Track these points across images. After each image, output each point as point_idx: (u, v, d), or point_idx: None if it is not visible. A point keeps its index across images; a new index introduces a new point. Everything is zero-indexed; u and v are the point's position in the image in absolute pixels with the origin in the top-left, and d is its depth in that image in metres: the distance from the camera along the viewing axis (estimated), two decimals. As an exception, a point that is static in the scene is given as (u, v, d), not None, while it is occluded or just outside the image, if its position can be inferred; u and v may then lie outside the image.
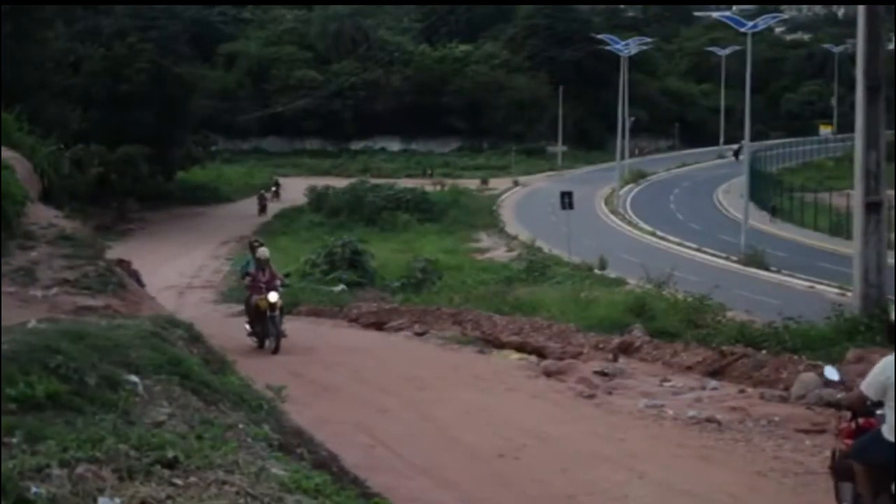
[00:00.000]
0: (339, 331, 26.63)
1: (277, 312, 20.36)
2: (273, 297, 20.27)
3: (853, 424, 8.70)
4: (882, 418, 8.17)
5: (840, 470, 8.89)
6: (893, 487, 7.91)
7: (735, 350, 17.54)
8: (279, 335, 20.21)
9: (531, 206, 77.92)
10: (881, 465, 8.05)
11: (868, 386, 8.20)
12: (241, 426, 6.94)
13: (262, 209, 78.94)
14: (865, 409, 8.45)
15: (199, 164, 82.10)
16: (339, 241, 48.32)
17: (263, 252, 21.29)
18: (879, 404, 8.19)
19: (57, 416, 5.83)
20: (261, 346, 20.64)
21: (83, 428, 5.65)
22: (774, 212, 67.49)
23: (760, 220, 64.09)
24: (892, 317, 14.78)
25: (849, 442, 8.67)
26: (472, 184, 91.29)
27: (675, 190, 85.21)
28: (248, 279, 21.13)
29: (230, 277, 53.64)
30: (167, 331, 8.64)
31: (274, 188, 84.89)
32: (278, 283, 20.91)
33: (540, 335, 21.38)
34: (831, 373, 10.15)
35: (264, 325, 20.47)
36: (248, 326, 21.15)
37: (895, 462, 7.89)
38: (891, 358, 8.03)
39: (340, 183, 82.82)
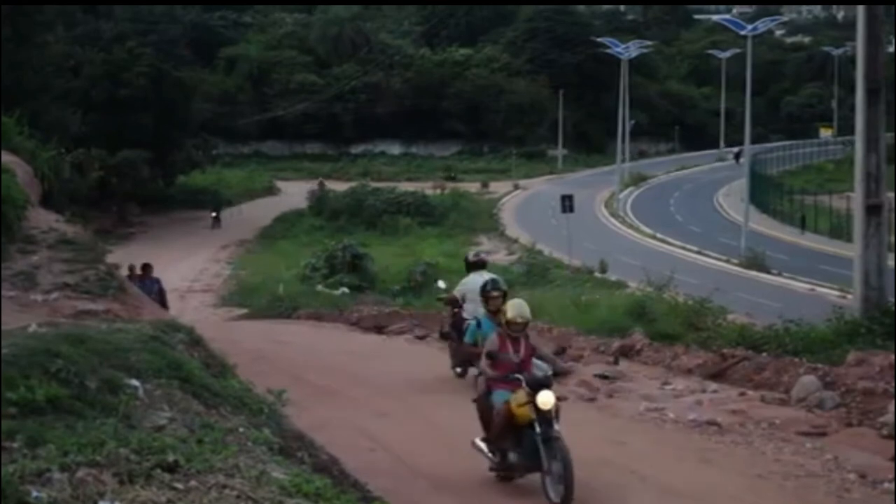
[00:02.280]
0: (340, 334, 26.62)
1: (556, 425, 10.64)
2: (547, 398, 10.56)
3: (453, 311, 16.99)
4: (464, 309, 16.22)
5: (445, 335, 17.65)
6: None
7: (736, 353, 17.53)
8: (568, 465, 10.25)
9: (531, 210, 77.96)
10: (462, 330, 15.22)
11: (456, 292, 16.78)
12: (241, 430, 6.93)
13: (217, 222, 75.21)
14: (457, 304, 16.67)
15: (199, 167, 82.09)
16: (340, 245, 48.35)
17: (520, 310, 11.22)
18: (464, 300, 16.29)
19: (57, 420, 5.83)
20: (508, 478, 11.27)
21: (84, 432, 5.65)
22: (804, 224, 64.82)
23: (789, 234, 63.94)
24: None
25: (451, 321, 16.86)
26: (472, 187, 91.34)
27: (676, 193, 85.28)
28: (486, 361, 11.21)
29: (230, 281, 53.74)
30: (168, 334, 8.63)
31: (214, 214, 76.20)
32: (545, 367, 11.51)
33: (540, 338, 21.32)
34: (441, 284, 19.25)
35: (529, 449, 10.66)
36: (482, 445, 11.35)
37: (460, 327, 15.50)
38: (468, 277, 16.43)
39: (341, 186, 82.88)
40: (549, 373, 11.16)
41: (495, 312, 12.24)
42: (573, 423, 13.89)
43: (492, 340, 11.32)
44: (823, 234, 61.41)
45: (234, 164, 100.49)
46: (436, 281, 19.82)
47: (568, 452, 10.34)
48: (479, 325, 12.66)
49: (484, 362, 11.25)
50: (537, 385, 10.67)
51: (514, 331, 11.13)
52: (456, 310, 16.85)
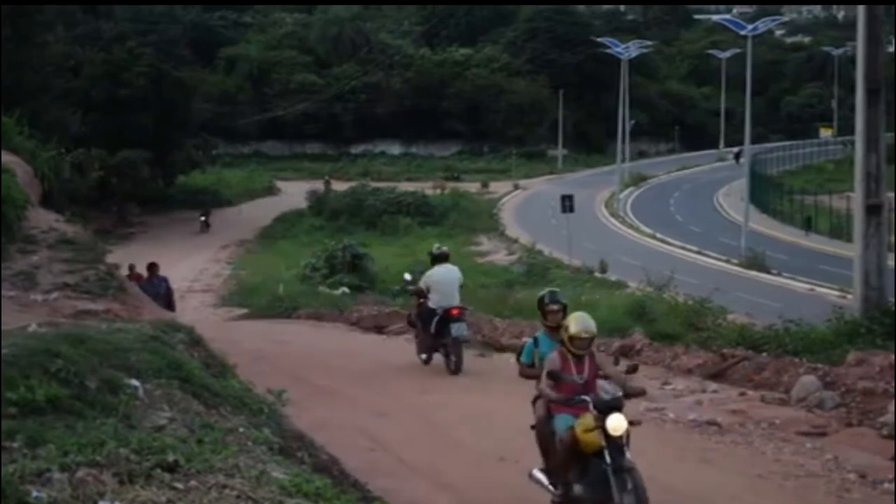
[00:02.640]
0: (340, 334, 26.61)
1: (627, 453, 9.55)
2: (618, 423, 9.47)
3: (419, 302, 18.45)
4: (429, 299, 18.02)
5: (411, 324, 19.37)
6: (432, 328, 17.95)
7: (736, 353, 17.53)
8: (642, 499, 9.38)
9: (531, 210, 77.97)
10: (427, 319, 18.00)
11: (422, 284, 18.42)
12: (241, 430, 6.94)
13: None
14: (423, 294, 18.27)
15: (199, 167, 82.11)
16: (340, 245, 48.31)
17: (585, 325, 10.00)
18: (428, 290, 18.14)
19: (57, 420, 5.83)
20: None
21: (84, 432, 5.65)
22: (809, 224, 63.91)
23: (790, 234, 63.83)
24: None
25: (417, 311, 18.45)
26: (472, 187, 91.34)
27: (676, 193, 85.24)
28: (546, 382, 9.86)
29: (230, 281, 53.73)
30: (168, 334, 8.64)
31: (203, 218, 74.08)
32: (612, 388, 10.00)
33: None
34: (407, 276, 21.59)
35: (598, 480, 9.54)
36: (542, 476, 10.30)
37: (431, 316, 17.84)
38: (433, 270, 18.39)
39: (341, 186, 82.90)
40: (618, 394, 9.73)
41: (555, 328, 10.49)
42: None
43: (552, 359, 9.88)
44: (823, 234, 61.43)
45: (234, 164, 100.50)
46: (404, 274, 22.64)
47: (642, 483, 9.29)
48: (535, 342, 10.66)
49: (545, 383, 9.82)
50: (607, 408, 9.44)
51: (577, 347, 9.81)
52: (421, 300, 18.41)
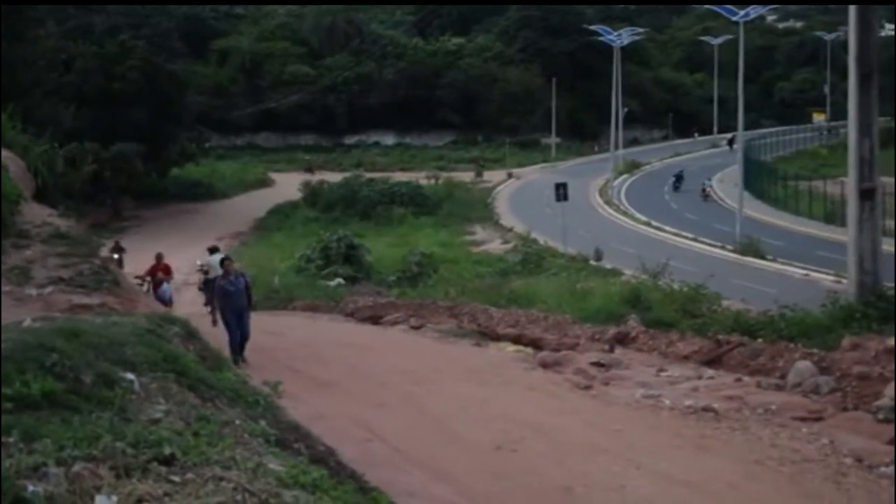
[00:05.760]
0: (336, 325, 26.63)
1: None
2: None
3: (204, 275, 29.02)
4: (209, 273, 28.04)
5: (201, 290, 31.70)
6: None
7: (731, 339, 17.55)
8: None
9: (526, 199, 77.90)
10: (209, 285, 27.30)
11: (205, 266, 29.16)
12: (237, 422, 6.94)
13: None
14: (206, 272, 28.74)
15: (193, 160, 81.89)
16: (335, 236, 48.28)
17: None
18: (209, 268, 27.29)
19: (53, 414, 5.82)
20: None
21: (80, 426, 5.65)
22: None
23: (790, 221, 63.63)
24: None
25: (203, 281, 29.63)
26: (466, 177, 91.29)
27: (670, 180, 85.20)
28: None
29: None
30: (163, 328, 8.63)
31: (116, 255, 62.65)
32: None
33: (536, 327, 21.39)
34: (198, 261, 32.83)
35: None
36: None
37: (210, 283, 26.25)
38: (210, 256, 27.99)
39: (335, 177, 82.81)
40: None
41: None
42: (569, 411, 13.96)
43: None
44: (818, 219, 61.40)
45: (228, 156, 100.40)
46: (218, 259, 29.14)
47: None
48: None
49: None
50: None
51: None
52: (205, 276, 28.78)
